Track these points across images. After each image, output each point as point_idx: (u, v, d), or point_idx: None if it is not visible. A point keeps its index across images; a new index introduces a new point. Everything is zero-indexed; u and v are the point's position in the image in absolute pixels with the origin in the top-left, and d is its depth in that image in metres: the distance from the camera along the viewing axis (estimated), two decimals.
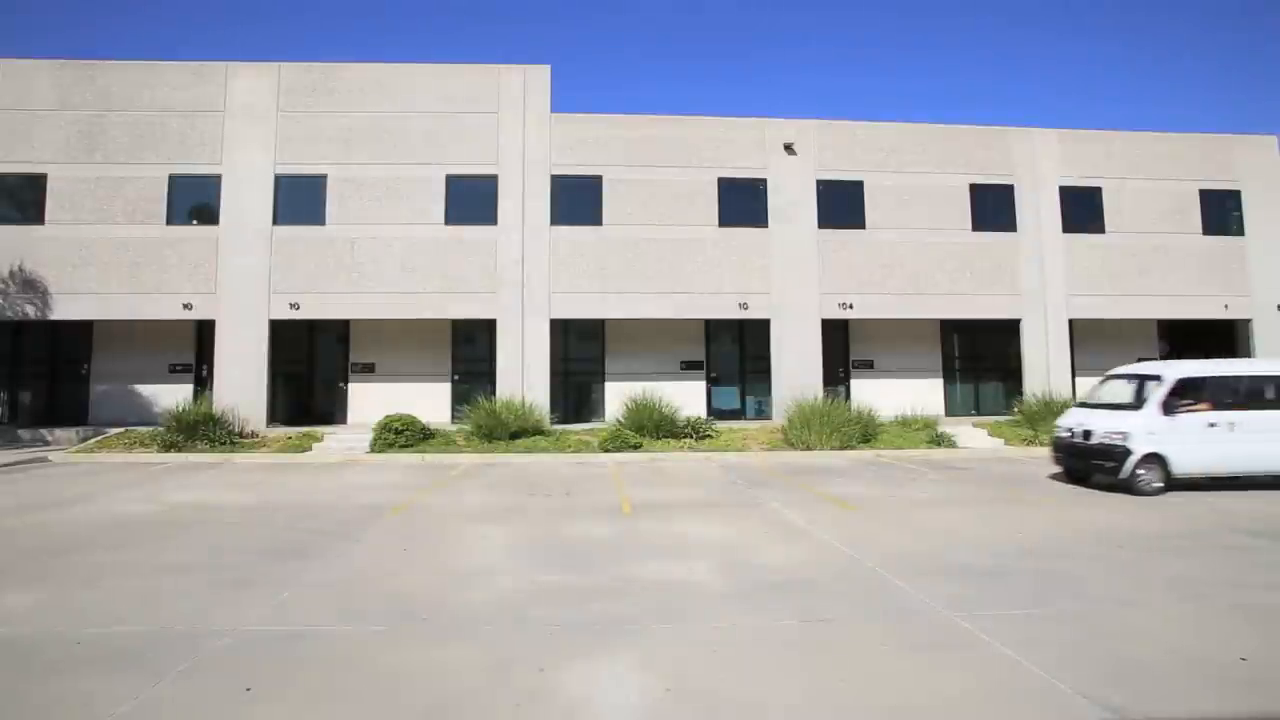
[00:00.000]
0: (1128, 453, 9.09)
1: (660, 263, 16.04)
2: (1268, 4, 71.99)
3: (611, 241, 16.05)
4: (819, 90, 75.35)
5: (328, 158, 15.73)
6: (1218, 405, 9.43)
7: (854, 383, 17.48)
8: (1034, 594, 4.93)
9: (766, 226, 16.46)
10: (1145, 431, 9.14)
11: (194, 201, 15.63)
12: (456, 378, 16.70)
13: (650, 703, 3.33)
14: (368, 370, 16.62)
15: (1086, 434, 9.72)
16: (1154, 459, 9.09)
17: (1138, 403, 9.58)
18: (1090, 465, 9.65)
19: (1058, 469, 10.50)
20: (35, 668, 3.76)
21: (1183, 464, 9.12)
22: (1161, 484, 9.09)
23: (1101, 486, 9.48)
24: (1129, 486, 9.07)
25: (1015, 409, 16.16)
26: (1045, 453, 13.68)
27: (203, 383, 15.87)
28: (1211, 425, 9.27)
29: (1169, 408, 9.28)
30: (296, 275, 15.43)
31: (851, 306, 16.44)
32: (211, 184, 15.56)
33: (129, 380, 16.09)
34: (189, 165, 15.56)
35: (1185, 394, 9.50)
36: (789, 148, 16.55)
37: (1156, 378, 9.66)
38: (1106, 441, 9.38)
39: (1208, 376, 9.72)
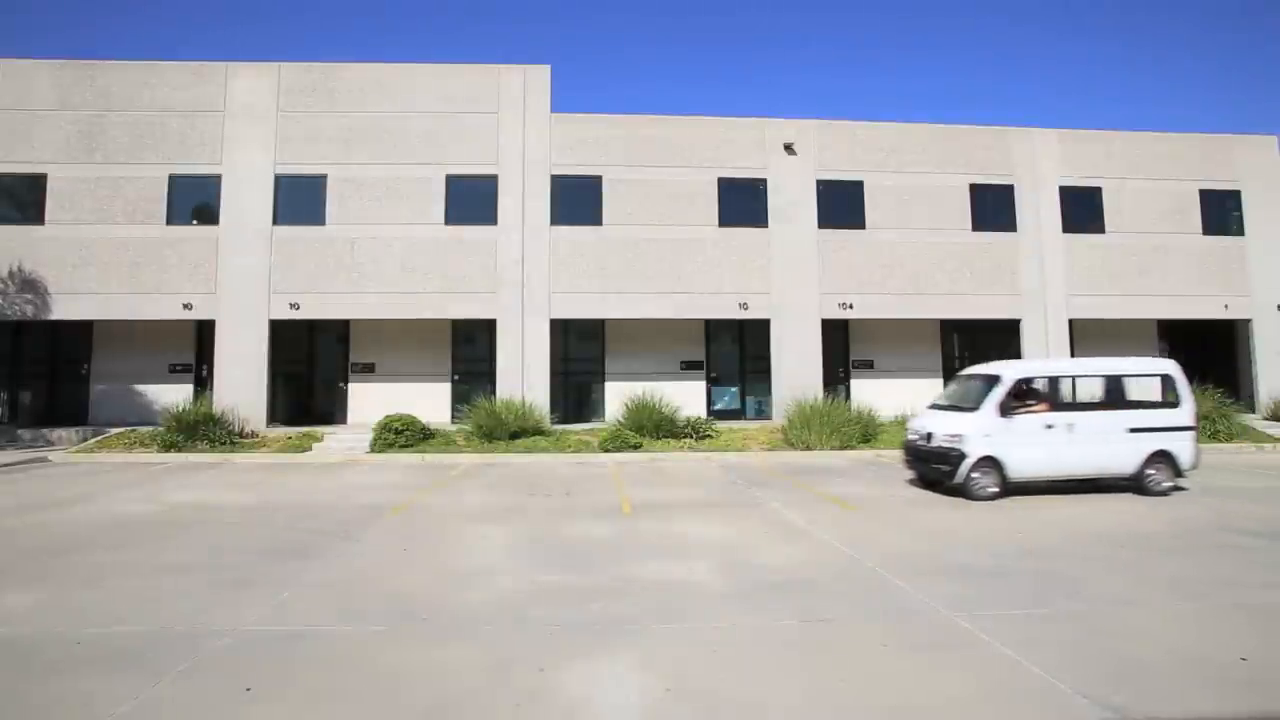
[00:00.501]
0: (962, 456, 8.72)
1: (660, 263, 16.04)
2: (1268, 4, 72.00)
3: (611, 241, 16.05)
4: (819, 90, 75.38)
5: (328, 158, 15.73)
6: (1056, 406, 9.22)
7: (854, 383, 17.48)
8: (1034, 594, 4.93)
9: (766, 226, 16.46)
10: (981, 434, 8.77)
11: (194, 201, 15.63)
12: (456, 378, 16.70)
13: (650, 703, 3.33)
14: (368, 370, 16.63)
15: (928, 436, 9.33)
16: (989, 462, 8.73)
17: (977, 404, 9.12)
18: (930, 469, 9.27)
19: (912, 474, 9.99)
20: (35, 668, 3.76)
21: (1019, 467, 8.78)
22: (996, 489, 8.73)
23: (950, 491, 9.02)
24: (964, 491, 8.72)
25: None
26: None
27: (203, 383, 15.88)
28: (1049, 427, 8.94)
29: (1006, 409, 8.90)
30: (296, 275, 15.43)
31: (851, 306, 16.44)
32: (211, 184, 15.56)
33: (129, 380, 16.10)
34: (189, 165, 15.56)
35: (1024, 394, 9.24)
36: (789, 148, 16.56)
37: (997, 378, 9.22)
38: (944, 444, 8.98)
39: (1047, 376, 9.48)
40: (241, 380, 15.07)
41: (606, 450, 13.49)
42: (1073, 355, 17.25)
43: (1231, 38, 75.26)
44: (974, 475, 8.72)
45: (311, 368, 16.91)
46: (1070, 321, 17.14)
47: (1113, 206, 17.41)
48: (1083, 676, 3.56)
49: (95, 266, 15.16)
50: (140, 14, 72.92)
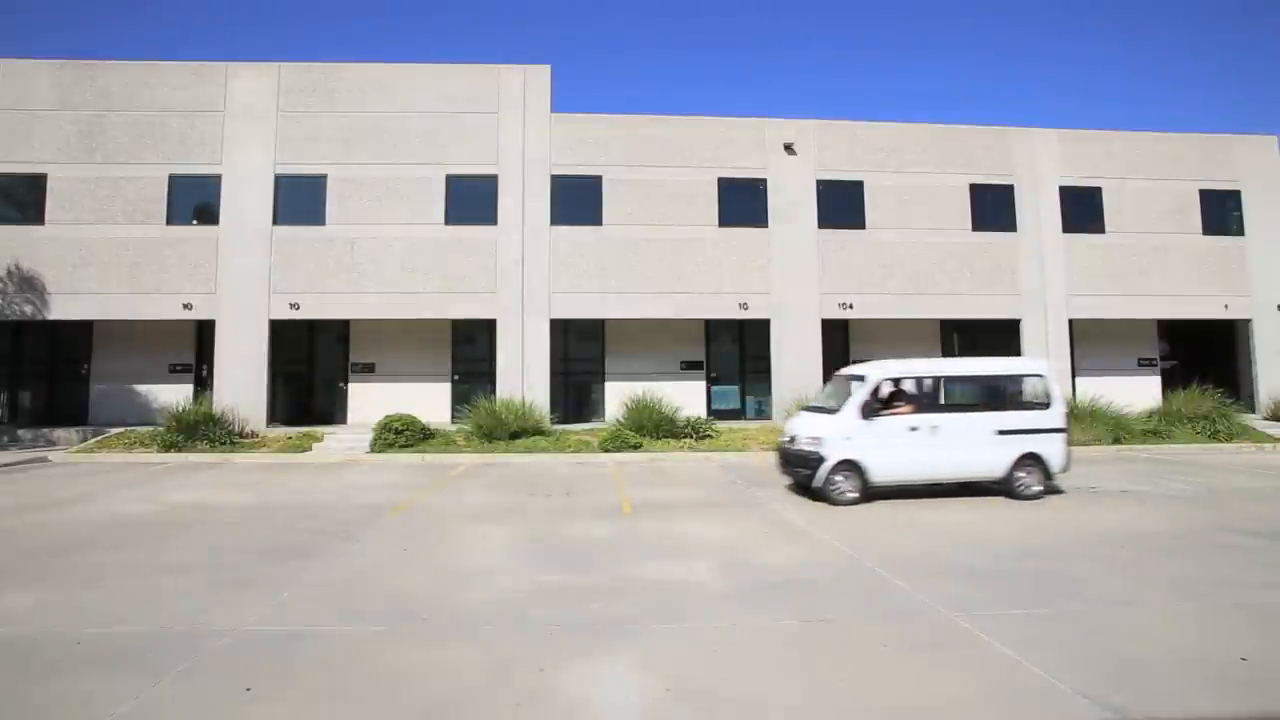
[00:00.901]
0: (821, 459, 8.47)
1: (660, 263, 16.04)
2: (1268, 4, 72.00)
3: (611, 241, 16.05)
4: (819, 90, 75.39)
5: (328, 158, 15.73)
6: (922, 407, 8.83)
7: None
8: (1034, 594, 4.93)
9: (766, 226, 16.46)
10: (841, 436, 8.52)
11: (194, 201, 15.63)
12: (456, 378, 16.70)
13: (650, 703, 3.33)
14: (368, 370, 16.63)
15: (793, 439, 9.08)
16: (849, 466, 8.45)
17: (841, 405, 8.84)
18: (794, 471, 8.94)
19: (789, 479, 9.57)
20: (35, 668, 3.76)
21: (881, 471, 8.49)
22: (856, 494, 8.44)
23: (818, 496, 8.66)
24: (824, 495, 8.47)
25: None
26: None
27: (203, 383, 15.87)
28: (913, 429, 8.61)
29: (868, 410, 8.61)
30: (296, 275, 15.43)
31: (851, 306, 16.44)
32: (211, 184, 15.56)
33: (129, 380, 16.10)
34: (189, 165, 15.56)
35: (894, 395, 9.00)
36: (789, 148, 16.56)
37: (862, 378, 8.94)
38: (805, 447, 8.71)
39: (913, 376, 9.08)
40: (241, 380, 15.08)
41: (606, 450, 13.49)
42: (1073, 355, 17.29)
43: (1231, 38, 75.30)
44: (834, 478, 8.44)
45: (311, 368, 16.91)
46: (1070, 321, 17.14)
47: (1113, 206, 17.41)
48: (1083, 676, 3.56)
49: (95, 266, 15.16)
50: (140, 14, 72.97)
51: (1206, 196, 17.65)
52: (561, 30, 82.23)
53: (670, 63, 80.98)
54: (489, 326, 15.93)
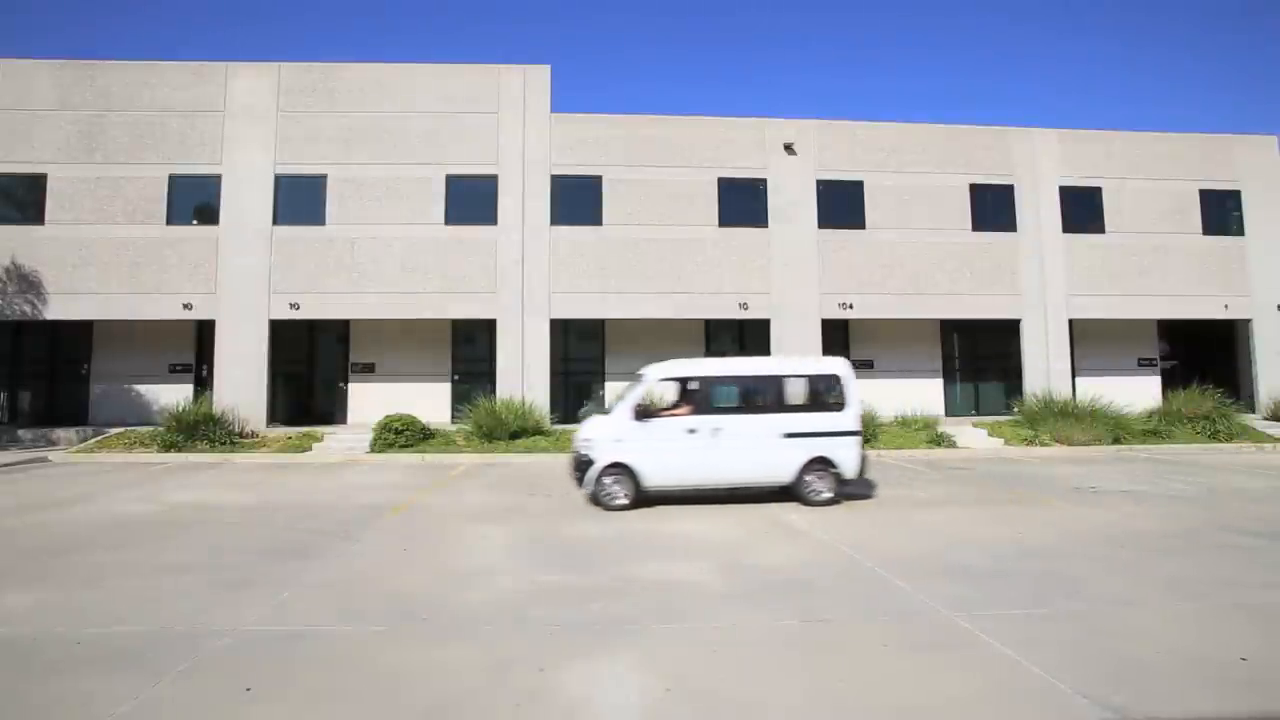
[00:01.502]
0: (589, 462, 8.20)
1: (660, 263, 16.04)
2: (1268, 4, 72.00)
3: (611, 241, 16.05)
4: (819, 90, 75.40)
5: (328, 158, 15.74)
6: (702, 408, 8.46)
7: None
8: (1034, 594, 4.93)
9: (766, 226, 16.47)
10: (610, 438, 8.23)
11: (194, 201, 15.63)
12: (456, 378, 16.70)
13: (650, 703, 3.33)
14: (368, 370, 16.63)
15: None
16: (621, 469, 8.14)
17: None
18: (576, 476, 8.55)
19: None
20: (35, 668, 3.76)
21: (655, 475, 8.17)
22: (626, 499, 8.11)
23: (593, 501, 8.41)
24: (596, 500, 8.20)
25: (1015, 409, 16.20)
26: (1047, 452, 13.76)
27: (203, 383, 15.88)
28: (691, 431, 8.27)
29: (642, 412, 8.30)
30: (296, 275, 15.43)
31: (851, 306, 16.45)
32: (211, 184, 15.57)
33: (129, 380, 16.10)
34: (189, 165, 15.57)
35: (682, 396, 8.73)
36: (789, 148, 16.56)
37: (641, 378, 8.65)
38: (579, 450, 8.44)
39: (693, 376, 8.72)
40: (241, 380, 15.08)
41: None
42: (1073, 355, 17.29)
43: (1231, 38, 75.31)
44: (604, 482, 8.13)
45: (311, 368, 16.92)
46: (1070, 321, 17.14)
47: (1113, 206, 17.41)
48: (1083, 676, 3.56)
49: (95, 266, 15.17)
50: (140, 14, 72.96)
51: (1206, 196, 17.65)
52: (561, 30, 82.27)
53: (670, 63, 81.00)
54: (489, 326, 15.93)
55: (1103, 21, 77.79)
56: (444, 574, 5.57)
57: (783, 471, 8.41)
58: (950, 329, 17.92)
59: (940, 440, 14.19)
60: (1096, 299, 17.14)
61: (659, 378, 8.64)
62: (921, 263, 16.66)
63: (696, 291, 16.08)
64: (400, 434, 13.67)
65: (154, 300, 15.22)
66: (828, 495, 8.41)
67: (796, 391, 8.81)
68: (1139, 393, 17.00)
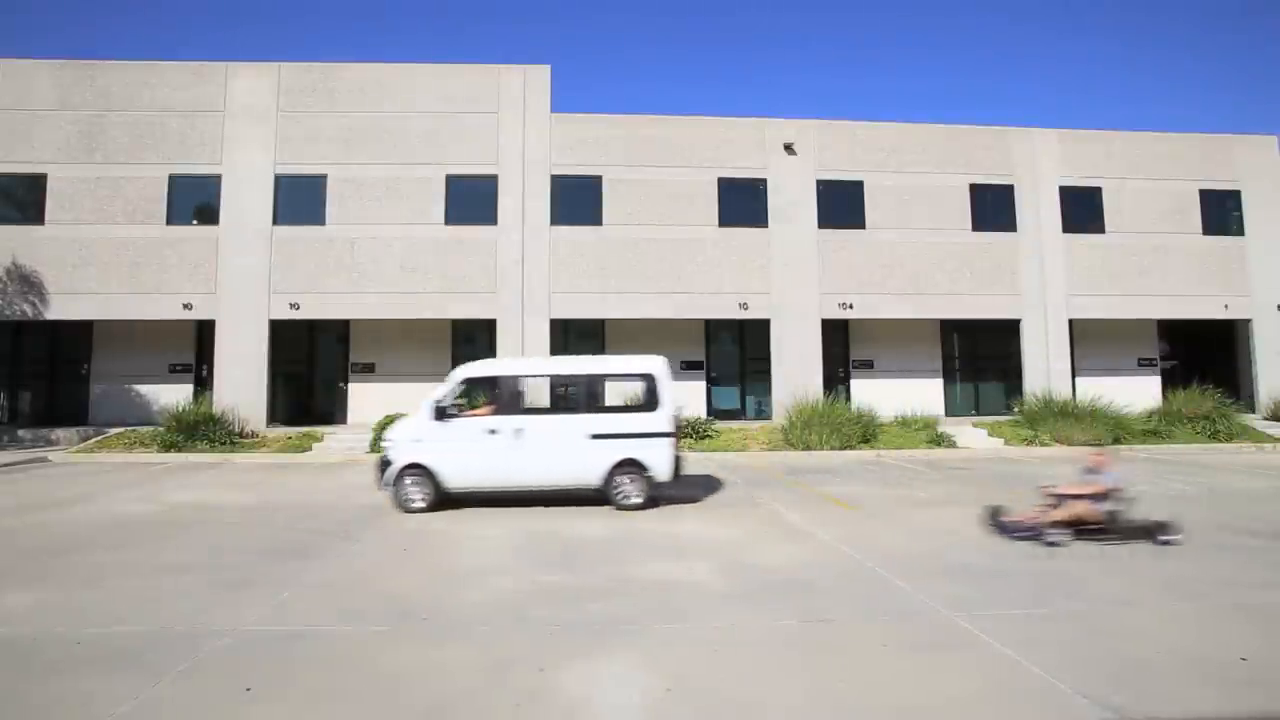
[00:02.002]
0: (387, 463, 8.06)
1: (660, 263, 16.04)
2: (1268, 4, 72.00)
3: (611, 241, 16.05)
4: (819, 90, 75.39)
5: (328, 158, 15.73)
6: (504, 409, 8.24)
7: (854, 383, 17.48)
8: (1034, 594, 4.93)
9: (766, 226, 16.47)
10: (410, 439, 8.11)
11: (194, 201, 15.63)
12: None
13: (651, 702, 3.33)
14: (368, 370, 16.62)
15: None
16: (420, 470, 7.97)
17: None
18: (379, 477, 8.31)
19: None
20: (35, 668, 3.76)
21: (455, 476, 8.01)
22: (423, 501, 7.95)
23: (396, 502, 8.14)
24: (396, 501, 8.02)
25: (1015, 409, 16.20)
26: (1047, 453, 13.76)
27: (203, 383, 15.87)
28: (493, 432, 8.09)
29: (444, 412, 8.12)
30: (296, 275, 15.43)
31: (851, 306, 16.44)
32: (211, 184, 15.57)
33: (129, 380, 16.10)
34: (189, 165, 15.57)
35: (470, 396, 8.57)
36: (789, 148, 16.56)
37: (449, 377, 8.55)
38: (383, 450, 8.27)
39: (497, 376, 8.53)
40: (241, 380, 15.07)
41: None
42: (1073, 355, 17.29)
43: (1231, 38, 75.30)
44: (403, 483, 7.97)
45: (311, 368, 16.91)
46: (1070, 321, 17.14)
47: (1113, 206, 17.41)
48: (1082, 676, 3.56)
49: (95, 266, 15.16)
50: (140, 14, 72.97)
51: (1206, 196, 17.65)
52: (561, 30, 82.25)
53: (670, 63, 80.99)
54: (489, 326, 15.93)
55: (1103, 21, 77.81)
56: (444, 574, 5.57)
57: (590, 474, 8.15)
58: (950, 329, 17.92)
59: (940, 440, 14.19)
60: (1096, 299, 17.14)
61: (463, 377, 8.48)
62: (921, 263, 16.66)
63: (696, 291, 16.07)
64: None
65: (154, 300, 15.22)
66: (637, 500, 8.12)
67: (608, 391, 8.63)
68: (1139, 393, 17.00)
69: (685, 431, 14.36)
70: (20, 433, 14.83)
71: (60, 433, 14.83)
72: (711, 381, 17.21)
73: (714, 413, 16.48)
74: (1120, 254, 17.25)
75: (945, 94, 75.83)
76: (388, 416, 14.01)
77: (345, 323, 16.44)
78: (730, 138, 16.65)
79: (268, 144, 15.69)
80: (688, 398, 16.21)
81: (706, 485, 9.94)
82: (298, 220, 15.62)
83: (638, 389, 8.57)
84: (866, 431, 14.29)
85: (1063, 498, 6.43)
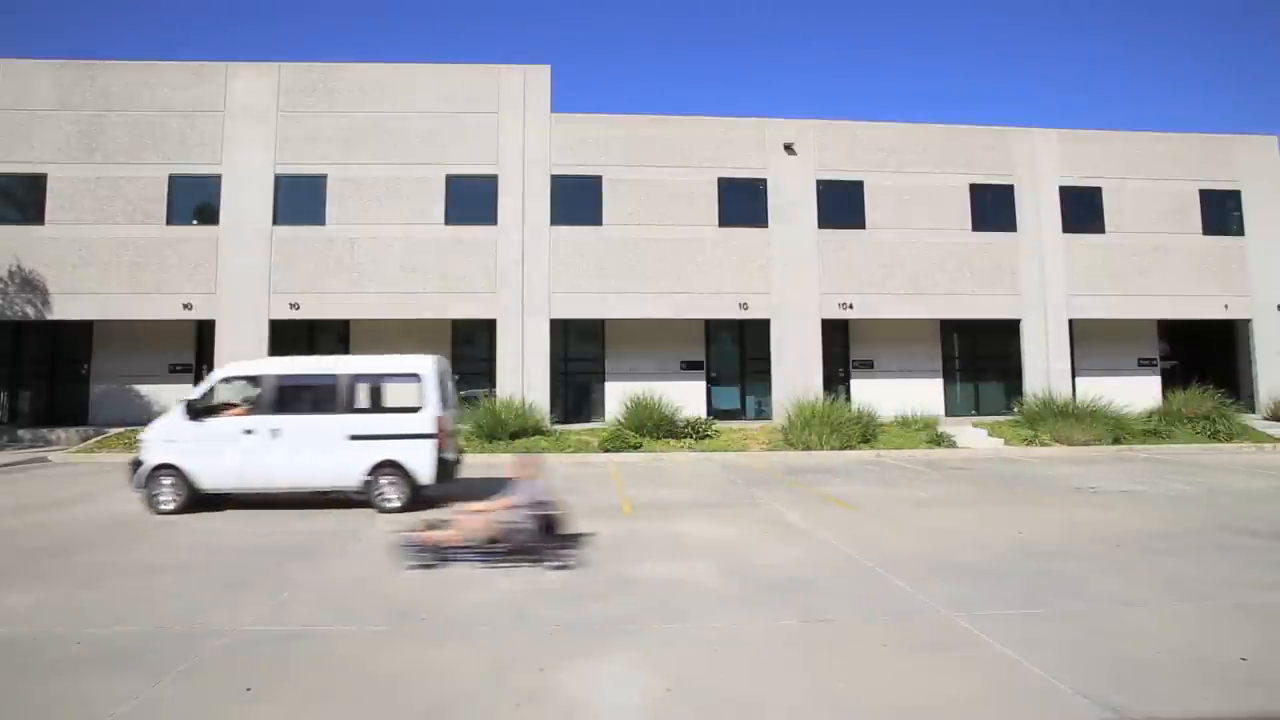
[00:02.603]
0: (139, 463, 7.94)
1: (660, 263, 16.04)
2: (1268, 4, 71.99)
3: (611, 241, 16.05)
4: (819, 90, 75.38)
5: (328, 158, 15.74)
6: (261, 408, 8.13)
7: (854, 383, 17.48)
8: (1033, 594, 4.93)
9: (766, 226, 16.47)
10: (162, 438, 7.96)
11: (194, 201, 15.64)
12: (457, 378, 16.64)
13: (651, 702, 3.33)
14: None
15: None
16: (172, 470, 7.85)
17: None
18: (129, 475, 8.19)
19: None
20: (35, 668, 3.76)
21: (208, 477, 7.87)
22: (173, 503, 7.82)
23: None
24: (148, 502, 7.89)
25: (1015, 409, 16.20)
26: (1047, 453, 13.76)
27: None
28: (249, 432, 7.97)
29: (198, 411, 8.06)
30: (296, 275, 15.43)
31: (851, 306, 16.45)
32: (211, 184, 15.57)
33: (129, 380, 16.09)
34: (189, 165, 15.57)
35: (227, 395, 8.44)
36: (789, 148, 16.56)
37: (228, 378, 8.40)
38: (137, 450, 8.10)
39: (256, 375, 8.38)
40: None
41: (606, 450, 13.50)
42: (1073, 355, 17.29)
43: (1231, 38, 75.29)
44: (156, 482, 7.87)
45: None
46: (1070, 321, 17.14)
47: (1113, 206, 17.41)
48: (1082, 676, 3.56)
49: (95, 266, 15.17)
50: (140, 14, 72.97)
51: (1206, 196, 17.65)
52: (561, 30, 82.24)
53: (670, 63, 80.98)
54: (489, 326, 15.93)
55: (1103, 21, 77.80)
56: (443, 574, 5.57)
57: (348, 475, 8.01)
58: (950, 329, 17.92)
59: (940, 440, 14.19)
60: (1096, 299, 17.14)
61: (222, 376, 8.42)
62: (921, 263, 16.66)
63: (696, 291, 16.08)
64: None
65: (154, 300, 15.22)
66: (397, 502, 8.00)
67: (372, 391, 8.53)
68: (1139, 393, 17.00)
69: (685, 431, 14.39)
70: (20, 433, 14.83)
71: (60, 433, 14.83)
72: (711, 381, 17.21)
73: (714, 413, 16.48)
74: (1120, 254, 17.24)
75: (945, 94, 75.84)
76: None
77: (345, 323, 16.44)
78: (730, 138, 16.65)
79: (268, 144, 15.69)
80: (688, 398, 16.24)
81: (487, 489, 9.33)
82: (298, 220, 15.62)
83: (396, 389, 8.46)
84: (866, 431, 14.29)
85: (477, 514, 5.91)
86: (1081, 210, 17.33)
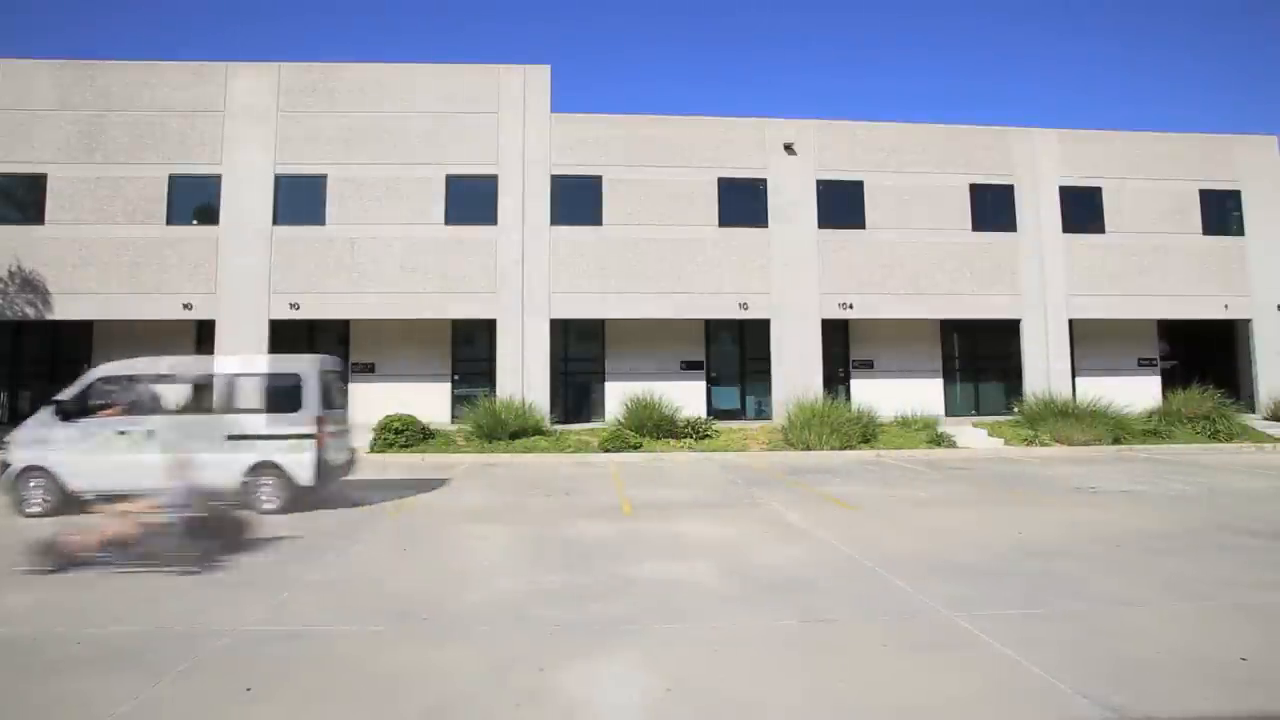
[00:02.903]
0: (6, 464, 7.78)
1: (660, 263, 16.04)
2: (1268, 4, 71.97)
3: (611, 241, 16.05)
4: (819, 90, 75.33)
5: (328, 158, 15.73)
6: (136, 409, 7.98)
7: (854, 383, 17.48)
8: (1033, 594, 4.93)
9: (766, 226, 16.47)
10: (31, 439, 7.80)
11: (194, 201, 15.63)
12: (456, 378, 16.69)
13: (651, 702, 3.33)
14: (368, 370, 16.62)
15: None
16: (41, 472, 7.69)
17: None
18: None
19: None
20: (35, 668, 3.75)
21: (79, 479, 7.67)
22: (42, 507, 7.64)
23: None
24: (15, 505, 7.72)
25: (1015, 409, 16.20)
26: (1047, 453, 13.76)
27: None
28: (122, 433, 7.82)
29: (69, 411, 7.88)
30: (296, 275, 15.43)
31: (851, 306, 16.44)
32: (211, 184, 15.56)
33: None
34: (189, 165, 15.56)
35: (103, 395, 8.22)
36: (789, 148, 16.56)
37: (112, 379, 8.26)
38: (4, 452, 7.94)
39: (131, 375, 8.22)
40: None
41: (606, 450, 13.49)
42: (1073, 355, 17.28)
43: (1231, 38, 75.27)
44: (28, 485, 7.70)
45: None
46: (1070, 321, 17.14)
47: (1113, 206, 17.41)
48: (1082, 676, 3.56)
49: (95, 266, 15.16)
50: (140, 14, 72.95)
51: (1206, 196, 17.64)
52: (561, 30, 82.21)
53: (670, 63, 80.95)
54: (489, 326, 15.93)
55: (1103, 21, 77.78)
56: (444, 573, 5.57)
57: (225, 477, 7.73)
58: (950, 329, 17.91)
59: (940, 440, 14.19)
60: (1096, 299, 17.13)
61: (96, 376, 8.24)
62: (921, 263, 16.66)
63: (696, 291, 16.07)
64: (400, 434, 13.66)
65: (154, 300, 15.22)
66: (273, 504, 7.89)
67: (250, 392, 8.42)
68: (1139, 393, 16.99)
69: (685, 431, 14.39)
70: None
71: None
72: (711, 381, 17.21)
73: (714, 413, 16.47)
74: (1120, 254, 17.24)
75: (945, 94, 75.79)
76: (388, 416, 14.03)
77: (345, 323, 16.43)
78: (730, 138, 16.65)
79: (268, 144, 15.68)
80: (688, 398, 16.24)
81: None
82: (298, 220, 15.62)
83: (274, 388, 8.33)
84: (866, 431, 14.29)
85: (123, 515, 5.65)
86: (1081, 210, 17.33)
